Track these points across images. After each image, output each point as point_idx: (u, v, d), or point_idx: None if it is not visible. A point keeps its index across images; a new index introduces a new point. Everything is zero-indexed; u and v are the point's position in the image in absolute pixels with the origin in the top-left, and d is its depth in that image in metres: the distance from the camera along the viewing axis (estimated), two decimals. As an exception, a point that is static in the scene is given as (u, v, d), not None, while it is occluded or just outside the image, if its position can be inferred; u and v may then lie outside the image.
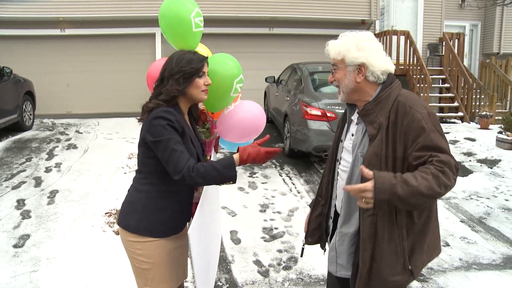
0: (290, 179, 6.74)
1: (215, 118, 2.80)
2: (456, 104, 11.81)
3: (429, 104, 11.01)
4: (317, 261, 4.09)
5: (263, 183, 6.48)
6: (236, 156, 2.12)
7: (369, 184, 1.67)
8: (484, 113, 10.03)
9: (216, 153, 2.69)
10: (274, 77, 9.69)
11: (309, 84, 7.73)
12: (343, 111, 2.22)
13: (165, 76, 2.20)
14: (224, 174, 2.04)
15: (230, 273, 3.94)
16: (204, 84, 2.23)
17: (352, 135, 2.05)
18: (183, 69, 2.17)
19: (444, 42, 12.77)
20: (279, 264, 4.10)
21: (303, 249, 2.41)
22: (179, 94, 2.19)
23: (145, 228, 2.19)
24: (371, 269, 1.90)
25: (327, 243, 2.30)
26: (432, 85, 11.58)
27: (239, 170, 6.94)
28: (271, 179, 6.70)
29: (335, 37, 2.02)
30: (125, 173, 6.38)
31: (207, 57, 2.27)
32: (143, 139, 2.15)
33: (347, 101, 2.08)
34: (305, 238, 2.37)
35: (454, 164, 1.74)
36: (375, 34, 12.23)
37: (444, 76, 12.46)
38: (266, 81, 9.89)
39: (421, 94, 11.04)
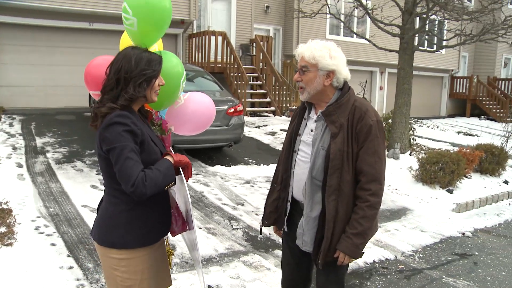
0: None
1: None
2: (268, 99, 13.27)
3: (244, 100, 12.18)
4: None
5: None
6: (168, 157, 2.07)
7: (346, 258, 2.23)
8: (293, 107, 11.58)
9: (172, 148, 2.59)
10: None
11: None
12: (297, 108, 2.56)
13: (122, 77, 1.98)
14: (167, 176, 1.98)
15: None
16: (158, 85, 2.10)
17: (311, 130, 2.35)
18: (144, 72, 2.00)
19: (255, 44, 14.16)
20: (160, 252, 4.35)
21: (261, 228, 2.78)
22: (142, 98, 2.05)
23: (133, 240, 2.05)
24: (331, 243, 2.25)
25: (285, 222, 2.53)
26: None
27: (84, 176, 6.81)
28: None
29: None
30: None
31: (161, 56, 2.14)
32: (100, 149, 1.95)
33: (309, 101, 2.36)
34: (262, 220, 2.65)
35: (380, 178, 2.22)
36: (193, 34, 12.98)
37: (256, 74, 13.84)
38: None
39: (239, 91, 12.14)
